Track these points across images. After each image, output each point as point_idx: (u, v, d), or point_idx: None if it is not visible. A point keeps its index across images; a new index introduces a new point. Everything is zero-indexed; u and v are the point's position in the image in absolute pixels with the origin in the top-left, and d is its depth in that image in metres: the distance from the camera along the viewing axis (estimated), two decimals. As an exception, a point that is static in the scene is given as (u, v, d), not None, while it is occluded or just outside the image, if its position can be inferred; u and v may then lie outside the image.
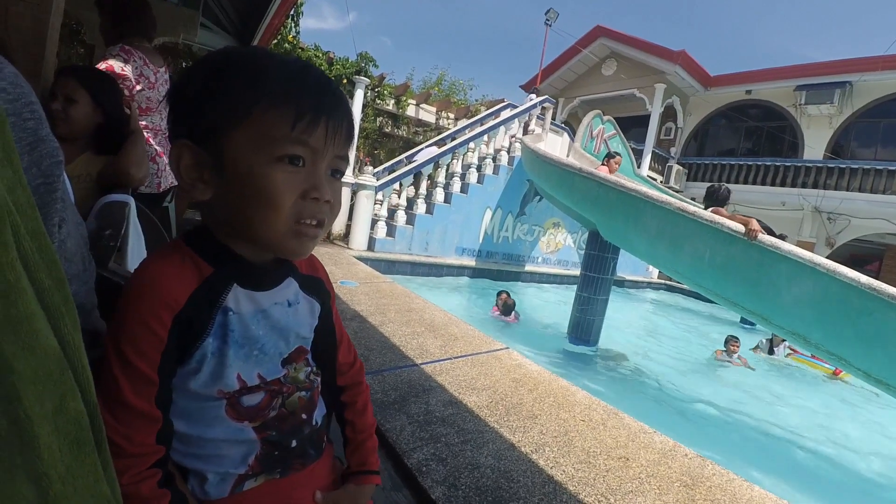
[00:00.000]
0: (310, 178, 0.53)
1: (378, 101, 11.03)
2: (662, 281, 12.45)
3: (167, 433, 0.54)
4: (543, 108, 9.53)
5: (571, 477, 1.81)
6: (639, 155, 13.21)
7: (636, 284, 11.68)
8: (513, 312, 5.64)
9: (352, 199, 6.96)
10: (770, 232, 3.61)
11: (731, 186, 13.68)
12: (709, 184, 13.85)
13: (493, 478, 1.73)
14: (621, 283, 11.02)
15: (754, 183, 13.34)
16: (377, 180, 6.98)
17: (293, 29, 9.26)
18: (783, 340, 5.55)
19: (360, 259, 5.94)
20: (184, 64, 7.18)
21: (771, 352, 5.63)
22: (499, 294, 5.78)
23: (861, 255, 13.32)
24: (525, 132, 9.17)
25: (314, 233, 0.55)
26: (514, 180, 8.52)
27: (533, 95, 9.78)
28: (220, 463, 0.58)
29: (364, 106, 10.13)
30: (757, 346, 5.78)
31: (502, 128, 8.68)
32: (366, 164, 7.16)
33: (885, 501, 3.07)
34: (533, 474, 1.79)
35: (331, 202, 0.56)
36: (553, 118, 9.91)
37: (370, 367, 2.46)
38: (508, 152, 8.66)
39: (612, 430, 2.24)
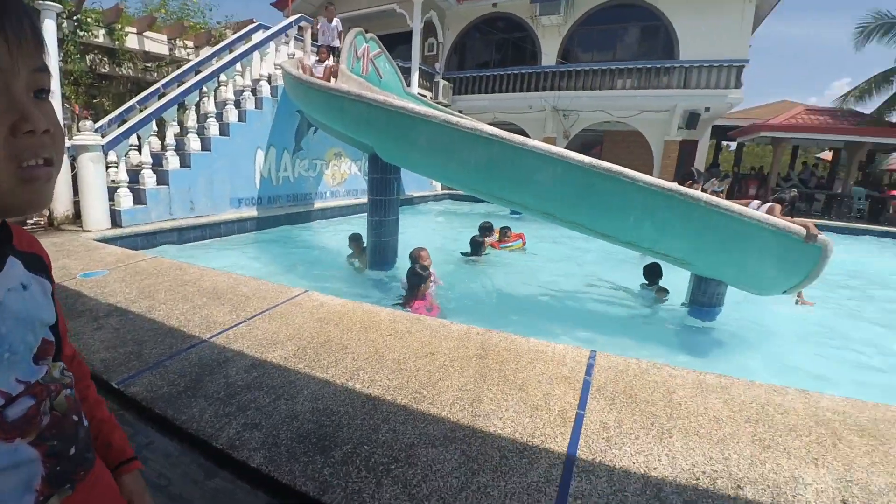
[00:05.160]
0: (10, 107, 0.44)
1: (81, 34, 8.35)
2: (446, 192, 13.70)
3: None
4: (300, 29, 8.69)
5: (387, 388, 1.92)
6: (406, 73, 13.47)
7: (424, 199, 12.57)
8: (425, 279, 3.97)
9: (73, 169, 5.37)
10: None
11: (489, 96, 15.61)
12: (470, 95, 15.48)
13: (314, 419, 1.71)
14: (410, 202, 11.68)
15: (508, 91, 15.22)
16: (103, 137, 5.50)
17: None
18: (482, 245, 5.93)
19: (104, 241, 4.77)
20: None
21: (478, 253, 5.99)
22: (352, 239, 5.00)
23: (589, 142, 16.92)
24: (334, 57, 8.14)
25: (46, 173, 0.48)
26: (282, 113, 7.78)
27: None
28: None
29: (62, 42, 7.60)
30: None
31: (257, 53, 7.67)
32: (84, 119, 5.47)
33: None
34: (352, 400, 1.83)
35: (51, 131, 0.47)
36: (314, 39, 9.17)
37: (146, 363, 2.09)
38: (269, 82, 7.78)
39: (417, 335, 2.44)
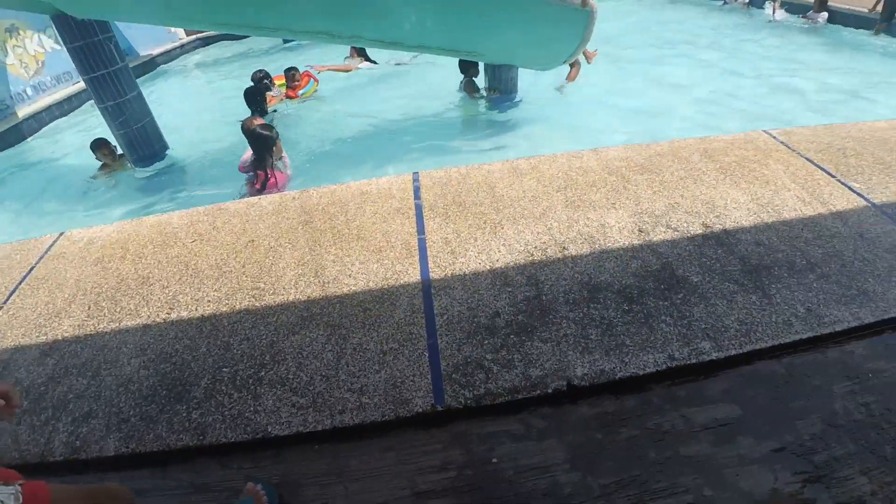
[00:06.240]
0: None
1: None
2: (193, 37, 10.74)
3: None
4: None
5: (218, 300, 1.71)
6: None
7: (170, 56, 9.72)
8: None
9: None
10: None
11: None
12: None
13: (153, 372, 1.48)
14: (153, 65, 9.02)
15: None
16: None
17: None
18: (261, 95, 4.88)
19: None
20: None
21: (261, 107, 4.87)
22: None
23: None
24: None
25: None
26: None
27: None
28: None
29: None
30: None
31: None
32: None
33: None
34: (185, 332, 1.60)
35: None
36: None
37: None
38: None
39: (226, 228, 2.11)
